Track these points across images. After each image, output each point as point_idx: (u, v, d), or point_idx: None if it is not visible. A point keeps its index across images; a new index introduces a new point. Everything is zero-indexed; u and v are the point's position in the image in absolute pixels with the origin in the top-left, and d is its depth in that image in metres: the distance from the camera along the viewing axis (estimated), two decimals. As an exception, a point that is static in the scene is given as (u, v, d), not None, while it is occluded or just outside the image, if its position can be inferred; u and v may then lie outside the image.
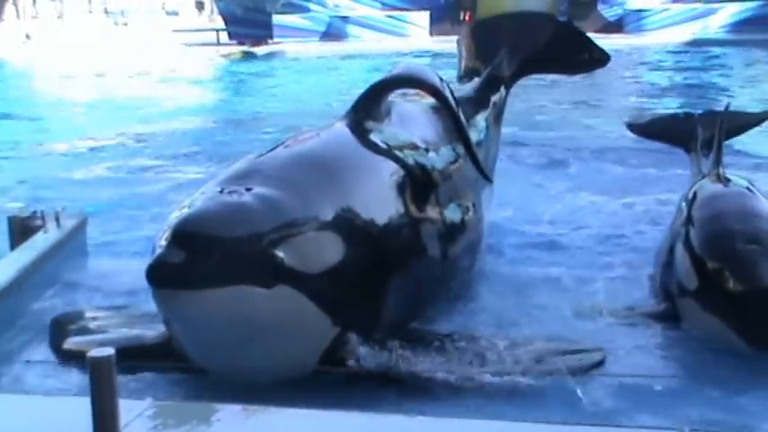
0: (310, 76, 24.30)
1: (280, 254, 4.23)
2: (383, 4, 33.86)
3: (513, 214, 7.96)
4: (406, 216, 5.22)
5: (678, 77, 21.54)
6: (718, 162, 6.55)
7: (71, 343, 5.08)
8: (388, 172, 5.34)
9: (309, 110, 16.10)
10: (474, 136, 6.51)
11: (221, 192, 4.39)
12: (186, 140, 13.84)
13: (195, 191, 4.67)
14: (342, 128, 5.60)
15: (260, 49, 31.15)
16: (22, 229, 6.52)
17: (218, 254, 4.07)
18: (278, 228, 4.28)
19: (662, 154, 9.19)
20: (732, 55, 25.76)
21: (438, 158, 5.92)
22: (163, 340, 4.62)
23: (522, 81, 8.12)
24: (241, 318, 4.17)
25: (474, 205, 6.21)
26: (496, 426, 3.54)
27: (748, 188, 6.12)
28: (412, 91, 6.32)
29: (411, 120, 6.10)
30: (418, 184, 5.46)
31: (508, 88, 7.68)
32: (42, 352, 5.10)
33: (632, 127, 8.51)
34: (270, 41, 32.33)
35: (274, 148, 5.10)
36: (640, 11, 32.10)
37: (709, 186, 6.22)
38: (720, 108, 7.80)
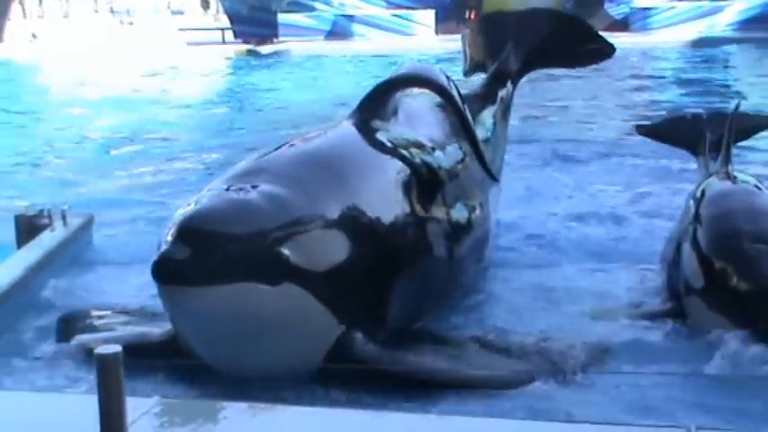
0: (316, 75, 24.30)
1: (285, 251, 4.24)
2: (389, 2, 33.81)
3: (523, 210, 8.02)
4: (412, 215, 5.22)
5: (685, 76, 21.48)
6: (726, 160, 6.52)
7: (78, 340, 5.10)
8: (395, 171, 5.35)
9: (315, 108, 16.11)
10: (481, 134, 6.51)
11: (227, 189, 4.40)
12: (192, 139, 13.85)
13: (201, 189, 4.68)
14: (348, 127, 5.61)
15: (265, 48, 31.11)
16: (28, 228, 6.55)
17: (224, 251, 4.09)
18: (284, 225, 4.29)
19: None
20: (739, 53, 25.67)
21: (445, 157, 5.92)
22: (169, 337, 4.63)
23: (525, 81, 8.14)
24: (246, 315, 4.18)
25: (481, 204, 6.21)
26: (501, 424, 3.56)
27: (756, 186, 6.11)
28: (418, 90, 6.31)
29: (418, 119, 6.10)
30: (425, 183, 5.46)
31: (515, 84, 7.66)
32: (50, 349, 5.11)
33: (640, 129, 8.45)
34: (275, 40, 32.27)
35: (281, 147, 5.11)
36: (647, 9, 31.94)
37: (716, 185, 6.20)
38: (728, 108, 7.74)
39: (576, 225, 7.68)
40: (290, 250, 4.25)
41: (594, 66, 8.96)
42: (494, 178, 6.48)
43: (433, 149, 5.85)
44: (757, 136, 7.97)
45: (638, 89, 18.83)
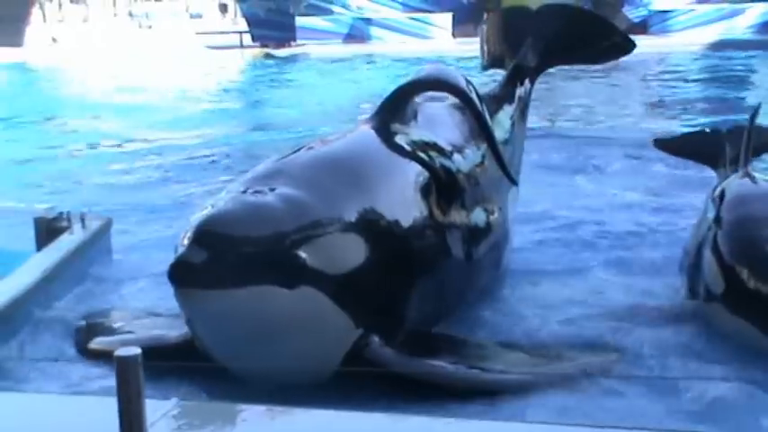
0: (333, 78, 24.35)
1: (302, 254, 4.22)
2: (406, 6, 33.84)
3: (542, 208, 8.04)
4: (430, 219, 5.20)
5: (704, 79, 21.36)
6: (746, 160, 6.48)
7: (97, 343, 5.12)
8: (413, 174, 5.33)
9: (333, 111, 16.14)
10: (499, 135, 6.49)
11: (245, 192, 4.40)
12: (211, 143, 13.90)
13: (219, 192, 4.69)
14: (367, 130, 5.60)
15: (283, 51, 31.22)
16: (48, 230, 6.58)
17: (241, 254, 4.07)
18: (301, 228, 4.28)
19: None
20: (760, 55, 25.49)
21: (463, 161, 5.90)
22: (185, 340, 4.64)
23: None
24: (263, 318, 4.17)
25: (500, 208, 6.19)
26: (521, 427, 3.54)
27: None
28: (438, 93, 6.30)
29: (437, 122, 6.08)
30: (443, 186, 5.44)
31: (533, 81, 7.60)
32: (68, 352, 5.14)
33: (658, 143, 8.39)
34: (293, 43, 32.39)
35: (299, 150, 5.11)
36: (665, 12, 31.81)
37: (737, 185, 6.15)
38: (747, 113, 7.68)
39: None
40: (307, 253, 4.23)
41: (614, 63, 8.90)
42: (514, 182, 6.45)
43: (452, 153, 5.83)
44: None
45: (656, 90, 18.77)
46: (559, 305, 5.72)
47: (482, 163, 6.12)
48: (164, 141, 13.95)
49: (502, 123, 6.86)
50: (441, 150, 5.73)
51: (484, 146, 6.10)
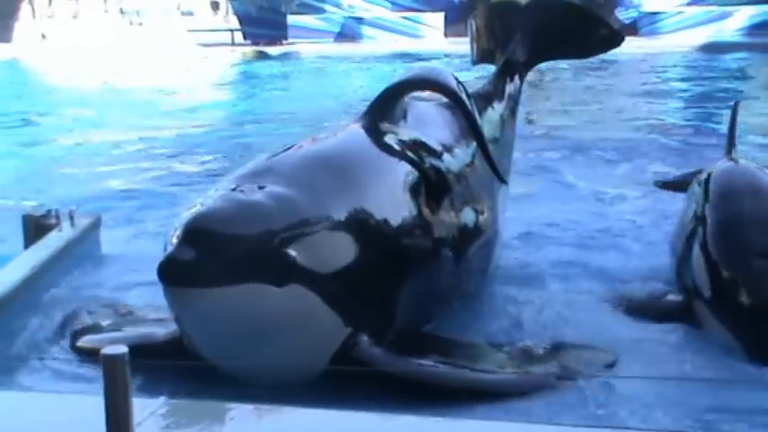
0: (324, 76, 24.33)
1: (292, 252, 4.21)
2: (398, 5, 33.85)
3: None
4: (420, 218, 5.20)
5: (693, 81, 21.43)
6: (731, 146, 6.66)
7: (84, 341, 5.10)
8: (403, 173, 5.33)
9: (324, 110, 16.12)
10: (489, 134, 6.49)
11: (233, 189, 4.38)
12: (201, 140, 13.87)
13: (208, 189, 4.67)
14: (357, 129, 5.59)
15: (274, 50, 31.17)
16: (36, 228, 6.55)
17: (230, 252, 4.06)
18: (290, 226, 4.27)
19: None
20: (747, 58, 25.61)
21: (453, 160, 5.90)
22: (174, 338, 4.62)
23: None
24: (252, 316, 4.16)
25: (490, 207, 6.19)
26: (509, 427, 3.53)
27: (763, 174, 6.04)
28: (427, 93, 6.30)
29: (427, 122, 6.08)
30: (433, 186, 5.44)
31: (522, 77, 7.58)
32: (55, 350, 5.11)
33: (659, 183, 8.38)
34: (284, 42, 32.35)
35: (288, 148, 5.09)
36: (655, 14, 31.92)
37: (722, 170, 6.21)
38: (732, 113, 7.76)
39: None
40: (296, 252, 4.22)
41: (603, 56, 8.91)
42: (503, 181, 6.45)
43: (442, 152, 5.83)
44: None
45: (645, 93, 18.83)
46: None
47: (472, 162, 6.12)
48: (154, 138, 13.90)
49: (492, 121, 6.86)
50: (430, 150, 5.73)
51: (474, 145, 6.10)
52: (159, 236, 5.72)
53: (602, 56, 8.86)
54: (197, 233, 4.07)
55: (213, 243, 4.06)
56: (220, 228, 4.11)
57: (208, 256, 4.03)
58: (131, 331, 5.17)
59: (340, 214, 4.55)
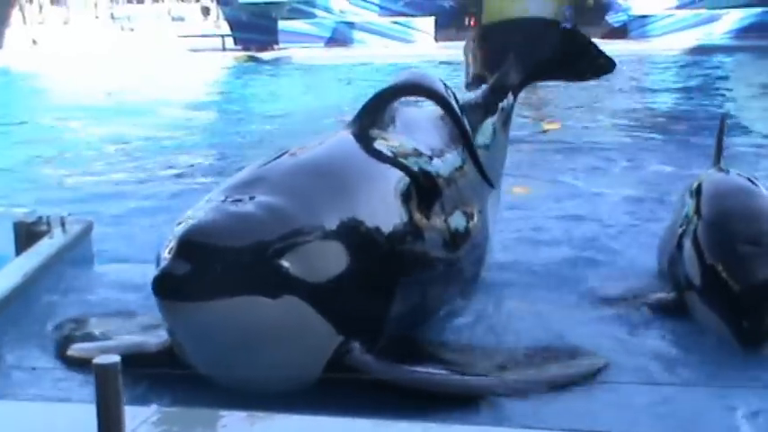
0: (315, 81, 24.33)
1: (285, 264, 4.24)
2: (388, 10, 33.88)
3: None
4: (411, 225, 5.21)
5: (683, 84, 21.52)
6: (719, 156, 6.85)
7: (75, 349, 5.09)
8: (393, 181, 5.34)
9: (315, 115, 16.13)
10: (480, 142, 6.51)
11: (225, 201, 4.40)
12: (191, 145, 13.87)
13: (200, 198, 4.68)
14: (347, 136, 5.61)
15: (265, 55, 31.16)
16: (27, 235, 6.54)
17: (224, 265, 4.08)
18: (283, 237, 4.29)
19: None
20: (735, 60, 25.74)
21: (444, 167, 5.92)
22: (166, 348, 4.62)
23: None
24: (247, 328, 4.18)
25: (480, 214, 6.21)
26: (500, 433, 3.55)
27: (751, 181, 6.29)
28: (417, 98, 6.32)
29: (416, 128, 6.10)
30: (424, 192, 5.46)
31: (515, 95, 7.67)
32: (47, 358, 5.10)
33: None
34: (275, 47, 32.33)
35: (278, 157, 5.10)
36: (645, 17, 32.04)
37: (712, 179, 6.40)
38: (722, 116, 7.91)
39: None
40: (289, 263, 4.25)
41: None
42: (491, 185, 6.48)
43: (432, 158, 5.85)
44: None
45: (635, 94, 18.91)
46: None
47: (462, 168, 6.14)
48: (144, 144, 13.89)
49: (483, 131, 6.88)
50: (420, 155, 5.75)
51: (464, 151, 6.12)
52: (150, 244, 5.72)
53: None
54: (190, 246, 4.09)
55: (207, 256, 4.08)
56: (213, 241, 4.13)
57: (202, 269, 4.05)
58: (123, 340, 5.17)
59: (332, 224, 4.57)
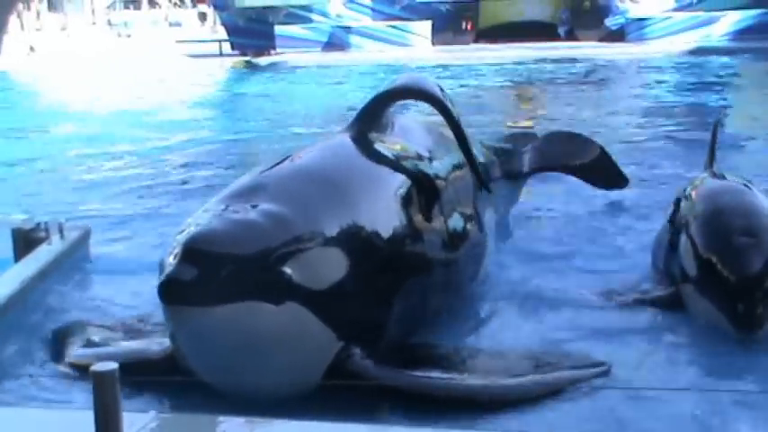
0: (313, 86, 24.34)
1: (287, 270, 4.28)
2: (385, 14, 33.92)
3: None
4: (410, 229, 5.22)
5: (681, 86, 21.55)
6: (711, 160, 7.03)
7: (74, 356, 5.09)
8: (392, 185, 5.35)
9: (313, 119, 16.14)
10: (480, 157, 6.60)
11: (227, 208, 4.43)
12: (189, 151, 13.85)
13: (200, 204, 4.69)
14: (345, 140, 5.61)
15: (262, 60, 31.20)
16: (25, 241, 6.54)
17: (228, 271, 4.13)
18: (284, 244, 4.33)
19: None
20: (733, 62, 25.78)
21: (442, 170, 5.92)
22: (166, 354, 4.62)
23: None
24: (250, 334, 4.20)
25: (479, 218, 6.21)
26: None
27: (745, 185, 6.45)
28: (414, 102, 6.33)
29: (414, 131, 6.10)
30: (423, 197, 5.46)
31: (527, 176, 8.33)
32: (46, 365, 5.09)
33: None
34: (272, 52, 32.36)
35: (278, 164, 5.12)
36: (642, 19, 32.06)
37: (705, 183, 6.56)
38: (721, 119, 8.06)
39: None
40: (290, 269, 4.30)
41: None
42: (487, 189, 6.48)
43: (431, 162, 5.85)
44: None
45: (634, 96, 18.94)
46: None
47: (460, 173, 6.14)
48: (142, 150, 13.88)
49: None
50: (419, 160, 5.75)
51: (460, 154, 6.13)
52: (150, 249, 5.73)
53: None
54: (195, 253, 4.14)
55: (212, 263, 4.13)
56: (218, 248, 4.18)
57: (207, 275, 4.10)
58: (122, 346, 5.17)
59: (332, 230, 4.60)
